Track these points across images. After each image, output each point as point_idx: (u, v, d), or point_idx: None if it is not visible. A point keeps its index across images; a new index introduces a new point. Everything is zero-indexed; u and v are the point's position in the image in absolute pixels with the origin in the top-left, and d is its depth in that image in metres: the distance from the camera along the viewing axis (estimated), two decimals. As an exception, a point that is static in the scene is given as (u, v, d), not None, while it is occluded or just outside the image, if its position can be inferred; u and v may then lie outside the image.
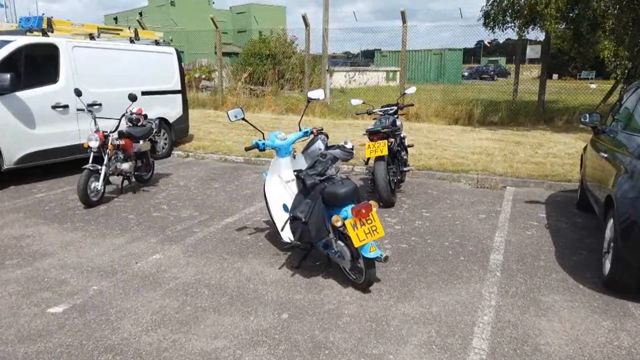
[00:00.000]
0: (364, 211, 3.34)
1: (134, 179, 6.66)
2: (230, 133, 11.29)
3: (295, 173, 3.82)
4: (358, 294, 3.63)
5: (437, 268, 4.12)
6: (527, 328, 3.17)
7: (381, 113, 6.73)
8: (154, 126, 6.75)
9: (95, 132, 5.95)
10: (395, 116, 6.66)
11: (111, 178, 6.22)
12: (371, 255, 3.41)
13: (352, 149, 4.25)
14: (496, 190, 6.89)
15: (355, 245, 3.36)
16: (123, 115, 6.34)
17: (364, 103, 7.00)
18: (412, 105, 7.65)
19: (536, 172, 7.43)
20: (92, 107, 6.26)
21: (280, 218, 4.27)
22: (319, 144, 4.21)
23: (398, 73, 33.46)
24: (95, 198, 5.85)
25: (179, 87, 9.47)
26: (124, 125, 6.34)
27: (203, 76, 21.39)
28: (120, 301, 3.53)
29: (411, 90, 6.73)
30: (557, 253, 4.47)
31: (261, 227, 5.20)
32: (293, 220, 3.68)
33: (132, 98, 6.24)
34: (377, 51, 37.37)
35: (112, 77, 7.92)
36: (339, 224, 3.41)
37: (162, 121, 8.69)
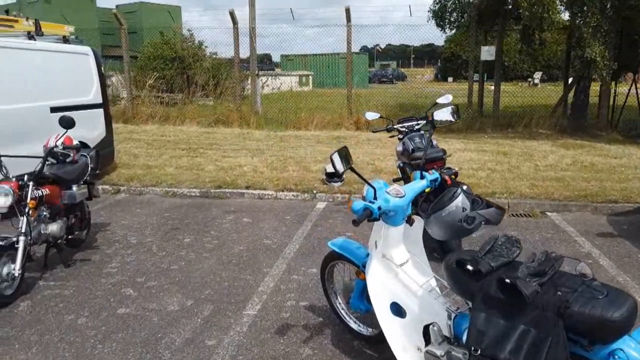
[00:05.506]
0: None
1: (64, 245, 4.30)
2: (164, 155, 8.96)
3: (483, 269, 2.01)
4: None
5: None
6: None
7: (405, 130, 5.19)
8: (89, 161, 4.47)
9: (2, 181, 3.59)
10: (422, 132, 5.18)
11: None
12: None
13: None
14: (539, 219, 5.64)
15: None
16: (51, 149, 3.97)
17: (381, 117, 5.37)
18: (448, 118, 6.12)
19: (568, 192, 6.30)
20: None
21: (392, 327, 2.47)
22: (462, 200, 2.45)
23: (311, 77, 32.25)
24: (11, 290, 3.50)
25: (99, 100, 7.01)
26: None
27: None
28: None
29: (446, 99, 5.17)
30: None
31: (311, 322, 3.31)
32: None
33: (67, 123, 3.93)
34: (284, 56, 35.81)
35: (5, 89, 5.40)
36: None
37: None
